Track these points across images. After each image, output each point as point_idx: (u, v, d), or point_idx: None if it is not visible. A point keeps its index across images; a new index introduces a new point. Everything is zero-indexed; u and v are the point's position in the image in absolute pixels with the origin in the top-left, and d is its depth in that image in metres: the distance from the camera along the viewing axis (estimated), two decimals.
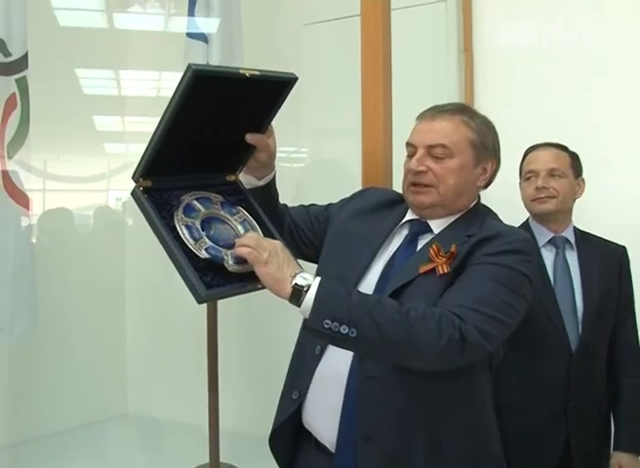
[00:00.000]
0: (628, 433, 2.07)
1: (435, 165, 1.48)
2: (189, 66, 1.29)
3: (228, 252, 1.34)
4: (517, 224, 2.02)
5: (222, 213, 1.45)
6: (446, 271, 1.39)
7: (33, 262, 2.64)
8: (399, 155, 2.13)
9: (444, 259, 1.41)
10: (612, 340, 2.11)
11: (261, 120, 1.54)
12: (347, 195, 1.74)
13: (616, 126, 2.68)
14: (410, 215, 1.56)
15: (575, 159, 2.14)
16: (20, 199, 2.59)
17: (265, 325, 3.46)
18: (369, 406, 1.41)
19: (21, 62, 2.54)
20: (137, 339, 3.87)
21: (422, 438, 1.40)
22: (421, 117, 1.55)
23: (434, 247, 1.43)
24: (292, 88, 1.51)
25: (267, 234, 1.48)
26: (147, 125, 3.80)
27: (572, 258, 2.10)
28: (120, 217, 4.05)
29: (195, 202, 1.42)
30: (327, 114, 3.23)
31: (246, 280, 1.34)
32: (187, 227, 1.34)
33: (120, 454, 3.35)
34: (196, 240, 1.32)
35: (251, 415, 3.46)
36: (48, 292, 2.97)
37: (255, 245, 1.29)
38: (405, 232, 1.55)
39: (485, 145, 1.52)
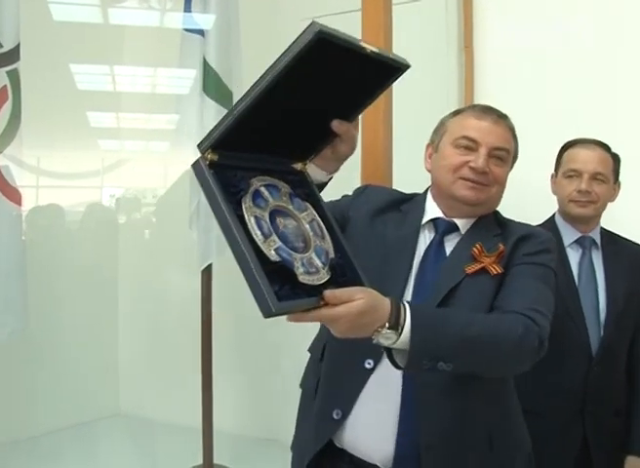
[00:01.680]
0: None
1: (495, 167, 1.48)
2: (313, 24, 1.09)
3: (298, 257, 1.12)
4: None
5: (291, 207, 1.21)
6: (500, 271, 1.42)
7: (24, 260, 2.59)
8: (398, 152, 2.13)
9: (491, 259, 1.43)
10: (632, 344, 2.06)
11: (354, 106, 1.34)
12: (345, 192, 1.69)
13: (618, 123, 2.65)
14: (433, 213, 1.54)
15: (616, 162, 2.10)
16: (12, 195, 2.54)
17: (261, 324, 3.41)
18: (429, 413, 1.38)
19: (13, 54, 2.49)
20: (129, 338, 3.84)
21: (478, 439, 1.42)
22: (480, 115, 1.52)
23: (477, 246, 1.43)
24: (400, 76, 1.31)
25: (333, 239, 1.26)
26: (142, 121, 3.79)
27: (597, 259, 2.07)
28: (113, 215, 4.01)
29: (263, 189, 1.17)
30: None
31: (314, 294, 1.11)
32: (256, 219, 1.10)
33: (112, 455, 3.33)
34: (266, 237, 1.09)
35: (246, 416, 3.45)
36: (38, 289, 2.93)
37: (330, 319, 1.12)
38: (429, 233, 1.53)
39: (516, 157, 1.57)
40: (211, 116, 2.66)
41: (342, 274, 1.22)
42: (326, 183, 1.44)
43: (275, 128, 1.23)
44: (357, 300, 1.11)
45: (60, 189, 3.87)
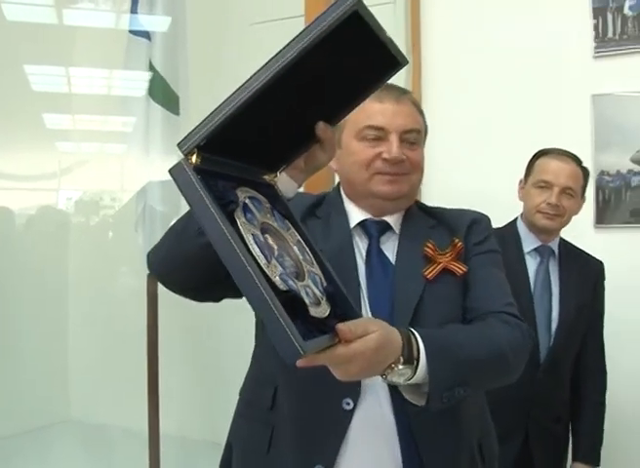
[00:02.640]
0: (588, 446, 2.09)
1: (410, 152, 1.32)
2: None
3: (300, 284, 0.93)
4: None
5: (276, 225, 1.01)
6: (465, 270, 1.30)
7: None
8: None
9: (448, 257, 1.30)
10: (578, 355, 2.11)
11: (342, 108, 1.12)
12: None
13: (562, 124, 2.71)
14: (359, 216, 1.36)
15: (586, 176, 2.14)
16: None
17: (211, 327, 3.41)
18: (429, 442, 1.23)
19: None
20: (79, 343, 3.79)
21: (473, 455, 1.31)
22: (379, 97, 1.30)
23: (430, 245, 1.30)
24: (396, 72, 1.09)
25: (319, 263, 1.07)
26: (98, 123, 3.75)
27: (554, 269, 2.10)
28: (65, 217, 3.96)
29: (249, 202, 0.97)
30: None
31: (326, 330, 0.92)
32: (255, 239, 0.90)
33: (63, 461, 3.28)
34: (268, 260, 0.89)
35: (195, 420, 3.43)
36: None
37: (346, 359, 0.94)
38: (361, 239, 1.35)
39: (426, 133, 1.42)
40: (157, 120, 2.65)
41: (340, 305, 1.03)
42: (289, 200, 1.18)
43: (260, 129, 1.02)
44: (372, 333, 0.95)
45: (15, 191, 3.81)
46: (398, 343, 1.02)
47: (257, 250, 0.88)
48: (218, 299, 1.27)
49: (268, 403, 1.31)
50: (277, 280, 0.87)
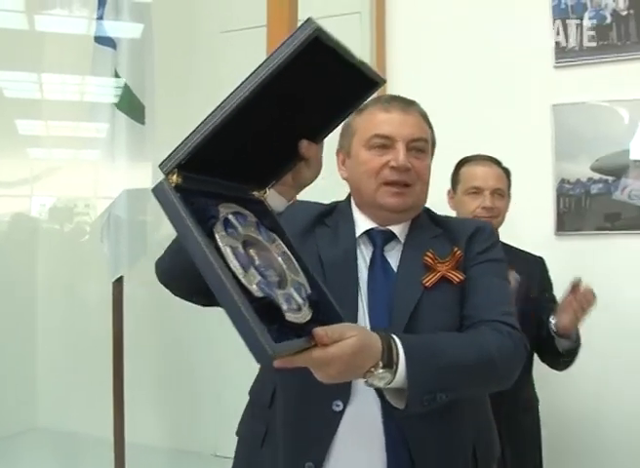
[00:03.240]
0: None
1: (417, 161, 1.34)
2: (310, 21, 0.95)
3: (279, 292, 0.99)
4: None
5: (260, 238, 1.07)
6: (462, 278, 1.31)
7: None
8: None
9: (447, 265, 1.32)
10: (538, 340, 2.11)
11: (324, 126, 1.17)
12: None
13: (523, 133, 2.76)
14: (365, 225, 1.39)
15: (509, 177, 2.19)
16: None
17: (175, 335, 3.42)
18: (418, 443, 1.25)
19: None
20: (47, 351, 3.78)
21: (465, 456, 1.32)
22: (386, 107, 1.36)
23: (430, 254, 1.31)
24: (374, 92, 1.16)
25: (305, 273, 1.12)
26: (71, 129, 3.73)
27: None
28: (34, 224, 3.94)
29: (232, 217, 1.02)
30: None
31: (303, 334, 0.97)
32: (233, 251, 0.96)
33: None
34: (245, 270, 0.94)
35: (162, 427, 3.43)
36: None
37: (322, 362, 0.98)
38: (366, 247, 1.38)
39: (434, 145, 1.44)
40: (122, 128, 2.66)
41: (323, 311, 1.07)
42: (280, 214, 1.24)
43: (240, 148, 1.07)
44: (350, 338, 0.98)
45: None
46: (377, 348, 1.04)
47: (234, 261, 0.93)
48: None
49: (267, 401, 1.36)
50: (254, 288, 0.92)
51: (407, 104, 1.38)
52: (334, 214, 1.44)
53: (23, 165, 3.93)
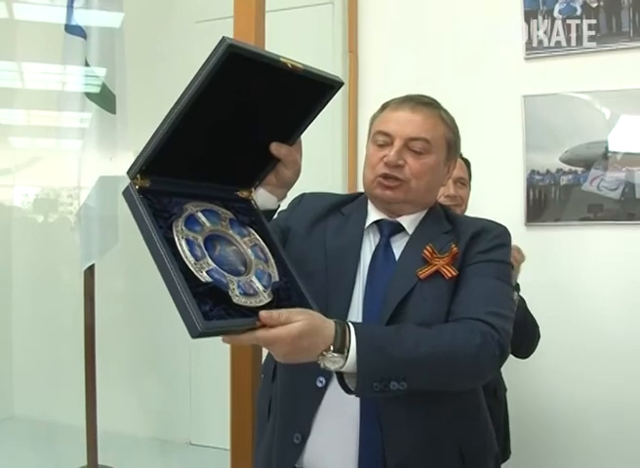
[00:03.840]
0: None
1: (413, 160, 1.38)
2: (223, 40, 1.03)
3: (234, 279, 1.10)
4: None
5: (231, 232, 1.19)
6: (454, 273, 1.34)
7: None
8: None
9: (444, 260, 1.35)
10: None
11: (292, 129, 1.29)
12: None
13: (494, 124, 2.78)
14: (376, 215, 1.45)
15: (469, 167, 2.21)
16: None
17: (151, 323, 3.42)
18: (395, 431, 1.30)
19: None
20: (23, 340, 3.78)
21: (449, 453, 1.34)
22: (397, 106, 1.42)
23: (428, 248, 1.35)
24: (335, 93, 1.26)
25: (280, 263, 1.24)
26: (52, 119, 3.73)
27: None
28: (6, 212, 3.93)
29: (200, 214, 1.16)
30: None
31: (251, 315, 1.07)
32: (188, 242, 1.08)
33: (6, 457, 3.26)
34: (197, 259, 1.07)
35: (136, 416, 3.44)
36: None
37: (267, 342, 1.08)
38: (374, 236, 1.44)
39: (455, 145, 1.48)
40: (92, 117, 2.65)
41: (287, 298, 1.19)
42: (275, 210, 1.39)
43: (210, 152, 1.20)
44: (296, 322, 1.06)
45: None
46: (329, 333, 1.11)
47: (186, 251, 1.06)
48: None
49: (270, 375, 1.48)
50: (203, 274, 1.04)
51: (418, 104, 1.41)
52: (352, 204, 1.51)
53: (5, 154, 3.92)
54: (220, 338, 1.68)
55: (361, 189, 1.52)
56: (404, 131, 1.38)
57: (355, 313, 1.35)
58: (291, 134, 1.29)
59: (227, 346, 1.76)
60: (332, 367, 1.12)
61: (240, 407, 1.74)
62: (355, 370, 1.12)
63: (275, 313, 1.05)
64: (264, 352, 1.63)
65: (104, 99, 2.66)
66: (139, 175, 1.12)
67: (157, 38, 3.32)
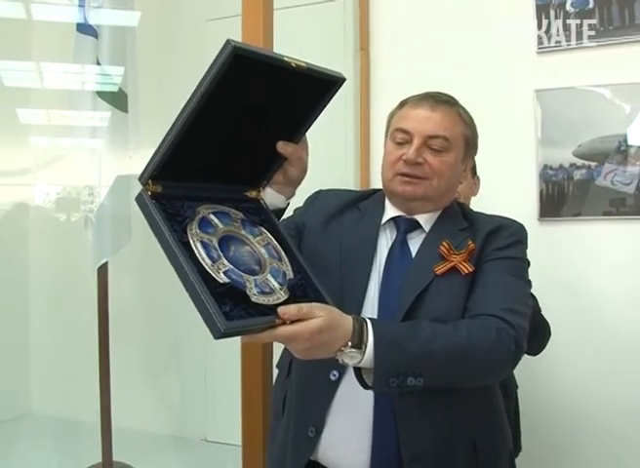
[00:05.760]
0: None
1: (432, 157, 1.39)
2: (227, 43, 1.05)
3: (251, 278, 1.12)
4: None
5: (243, 232, 1.21)
6: (471, 270, 1.34)
7: None
8: None
9: (461, 257, 1.35)
10: None
11: (297, 127, 1.31)
12: None
13: (506, 119, 2.76)
14: (393, 212, 1.45)
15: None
16: None
17: (164, 321, 3.44)
18: (409, 424, 1.31)
19: None
20: (40, 338, 3.82)
21: (463, 446, 1.35)
22: (416, 103, 1.43)
23: (445, 244, 1.36)
24: (337, 90, 1.27)
25: (293, 260, 1.26)
26: (73, 118, 3.76)
27: None
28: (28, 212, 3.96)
29: (212, 216, 1.18)
30: None
31: (270, 313, 1.09)
32: (203, 245, 1.10)
33: (25, 455, 3.30)
34: (214, 261, 1.08)
35: (151, 413, 3.46)
36: None
37: (287, 338, 1.09)
38: (391, 233, 1.45)
39: (473, 142, 1.49)
40: (105, 117, 2.67)
41: (303, 294, 1.21)
42: (284, 209, 1.40)
43: (220, 155, 1.22)
44: (316, 318, 1.07)
45: None
46: (347, 329, 1.12)
47: (202, 253, 1.08)
48: None
49: (286, 371, 1.49)
50: (220, 275, 1.06)
51: (437, 102, 1.42)
52: (369, 200, 1.52)
53: (26, 154, 3.94)
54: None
55: (374, 185, 1.52)
56: (423, 128, 1.39)
57: (370, 308, 1.35)
58: (296, 132, 1.31)
59: (239, 342, 1.78)
60: (350, 362, 1.14)
61: (251, 403, 1.74)
62: (372, 365, 1.14)
63: (293, 308, 1.07)
64: (277, 349, 1.60)
65: (116, 98, 2.68)
66: (150, 181, 1.14)
67: (168, 37, 3.34)
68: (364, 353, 1.13)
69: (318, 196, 1.57)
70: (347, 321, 1.13)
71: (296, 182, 1.37)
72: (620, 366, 2.59)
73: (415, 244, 1.41)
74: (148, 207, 1.11)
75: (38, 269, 3.84)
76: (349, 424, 1.33)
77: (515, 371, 2.14)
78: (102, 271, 2.76)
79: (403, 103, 1.47)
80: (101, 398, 2.77)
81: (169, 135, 1.12)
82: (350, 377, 1.26)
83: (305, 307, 1.08)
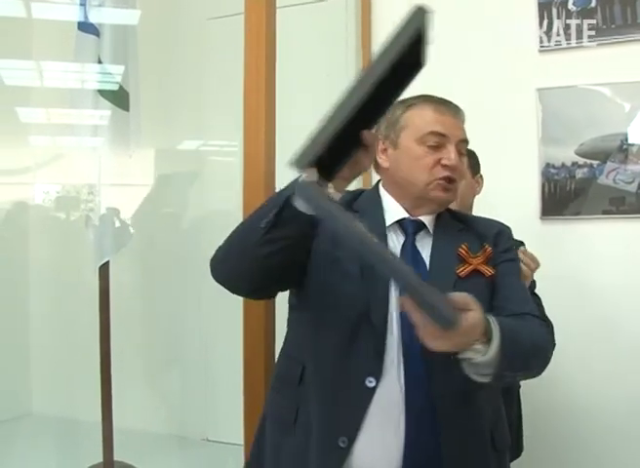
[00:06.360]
0: None
1: (460, 161, 1.43)
2: (420, 8, 1.00)
3: None
4: None
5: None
6: (492, 272, 1.40)
7: None
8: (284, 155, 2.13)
9: (479, 260, 1.39)
10: None
11: (377, 112, 1.20)
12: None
13: (508, 118, 2.76)
14: (395, 214, 1.44)
15: (472, 157, 2.13)
16: None
17: (164, 321, 3.44)
18: (446, 424, 1.32)
19: None
20: (40, 337, 3.81)
21: (486, 441, 1.39)
22: (442, 109, 1.44)
23: (464, 247, 1.39)
24: (417, 74, 1.17)
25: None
26: (73, 117, 3.76)
27: None
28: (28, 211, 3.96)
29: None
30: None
31: None
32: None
33: (25, 455, 3.29)
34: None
35: (152, 413, 3.46)
36: None
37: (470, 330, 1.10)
38: (397, 235, 1.43)
39: None
40: (106, 116, 2.66)
41: None
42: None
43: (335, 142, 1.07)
44: (474, 311, 1.10)
45: None
46: (485, 323, 1.13)
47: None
48: (272, 296, 1.51)
49: (296, 379, 1.40)
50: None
51: (457, 108, 1.46)
52: (360, 200, 1.49)
53: (26, 152, 3.93)
54: (234, 334, 1.69)
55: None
56: (457, 132, 1.42)
57: (396, 316, 1.33)
58: (375, 118, 1.22)
59: (241, 342, 1.77)
60: (473, 356, 1.13)
61: (253, 402, 1.74)
62: (491, 361, 1.14)
63: (461, 296, 1.09)
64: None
65: (118, 97, 2.67)
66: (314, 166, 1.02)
67: (169, 35, 3.33)
68: (490, 348, 1.13)
69: None
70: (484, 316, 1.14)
71: (358, 175, 1.27)
72: (621, 364, 2.59)
73: (423, 246, 1.42)
74: (324, 198, 0.99)
75: (38, 268, 3.82)
76: (382, 432, 1.31)
77: None
78: (104, 270, 2.75)
79: (409, 105, 1.45)
80: (103, 397, 2.76)
81: (340, 111, 1.01)
82: (385, 384, 1.29)
83: (462, 298, 1.09)
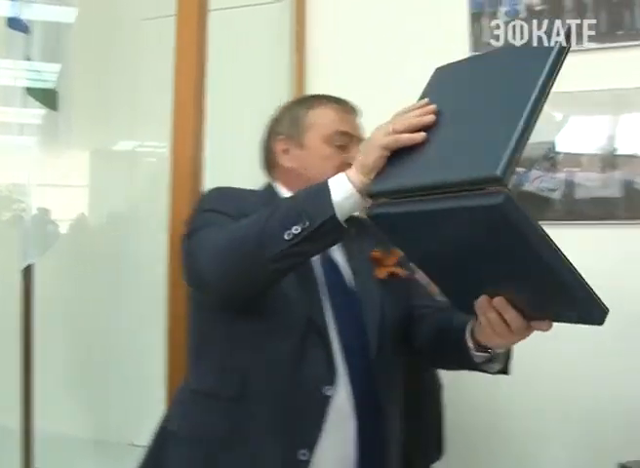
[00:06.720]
0: None
1: None
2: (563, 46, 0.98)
3: None
4: None
5: None
6: (407, 273, 1.45)
7: None
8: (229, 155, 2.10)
9: (392, 261, 1.42)
10: None
11: None
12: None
13: None
14: None
15: None
16: None
17: (89, 324, 3.38)
18: (389, 434, 1.39)
19: None
20: None
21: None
22: (344, 107, 1.48)
23: (377, 250, 1.41)
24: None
25: None
26: (8, 115, 3.63)
27: None
28: None
29: None
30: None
31: None
32: None
33: None
34: None
35: (76, 418, 3.39)
36: None
37: None
38: None
39: None
40: (37, 115, 2.61)
41: None
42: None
43: None
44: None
45: None
46: None
47: None
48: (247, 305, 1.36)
49: (233, 393, 1.33)
50: None
51: (356, 107, 1.50)
52: (262, 198, 1.46)
53: None
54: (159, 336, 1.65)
55: None
56: (359, 132, 1.47)
57: (332, 321, 1.35)
58: None
59: (163, 346, 1.75)
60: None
61: None
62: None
63: None
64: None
65: (46, 96, 2.61)
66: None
67: (105, 34, 3.28)
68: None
69: (226, 190, 1.46)
70: None
71: None
72: (545, 366, 2.62)
73: (332, 250, 1.41)
74: (519, 206, 0.93)
75: None
76: (339, 440, 1.31)
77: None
78: (27, 274, 2.67)
79: (311, 104, 1.49)
80: (23, 402, 2.69)
81: (532, 116, 0.97)
82: (341, 389, 1.31)
83: None
